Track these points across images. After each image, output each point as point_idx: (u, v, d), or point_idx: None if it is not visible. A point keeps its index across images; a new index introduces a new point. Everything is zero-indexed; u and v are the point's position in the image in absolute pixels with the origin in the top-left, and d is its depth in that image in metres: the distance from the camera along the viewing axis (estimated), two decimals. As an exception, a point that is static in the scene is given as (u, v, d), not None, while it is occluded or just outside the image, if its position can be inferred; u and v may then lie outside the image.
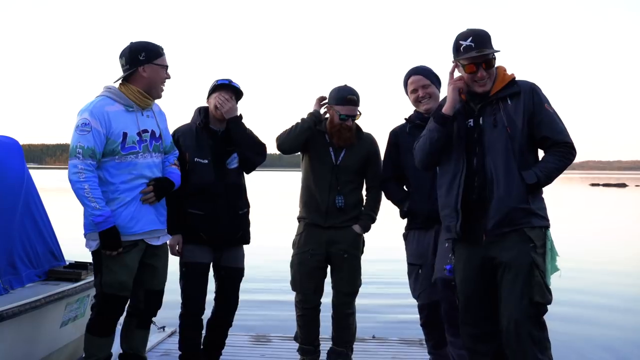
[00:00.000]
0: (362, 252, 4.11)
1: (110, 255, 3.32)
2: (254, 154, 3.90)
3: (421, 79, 3.79)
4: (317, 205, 3.98)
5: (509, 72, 3.17)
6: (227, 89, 3.84)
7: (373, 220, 4.07)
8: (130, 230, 3.39)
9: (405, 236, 3.91)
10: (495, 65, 3.15)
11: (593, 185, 66.33)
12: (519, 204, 3.01)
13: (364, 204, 4.10)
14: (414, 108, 3.87)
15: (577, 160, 3.12)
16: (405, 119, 3.91)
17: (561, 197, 33.10)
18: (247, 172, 4.00)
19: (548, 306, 3.05)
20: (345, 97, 3.90)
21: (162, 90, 3.55)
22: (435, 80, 3.84)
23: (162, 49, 3.50)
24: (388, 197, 4.01)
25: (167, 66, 3.52)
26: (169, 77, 3.53)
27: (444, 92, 3.69)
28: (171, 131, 3.86)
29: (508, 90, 3.10)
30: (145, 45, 3.46)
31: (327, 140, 3.98)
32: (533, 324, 2.99)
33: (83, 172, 3.27)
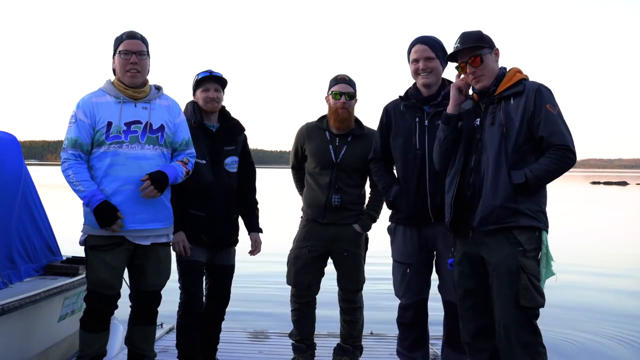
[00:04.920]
0: (365, 250, 4.09)
1: (114, 230, 3.28)
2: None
3: (426, 50, 3.59)
4: (317, 203, 4.00)
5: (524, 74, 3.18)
6: (211, 81, 3.82)
7: (374, 219, 4.03)
8: None
9: (391, 230, 3.77)
10: (508, 67, 3.20)
11: (594, 183, 66.30)
12: (504, 203, 3.00)
13: (366, 201, 4.09)
14: (413, 81, 3.71)
15: (577, 157, 3.08)
16: (401, 96, 3.73)
17: (562, 195, 33.08)
18: None
19: (544, 308, 3.02)
20: (337, 78, 3.98)
21: (132, 76, 3.41)
22: (441, 54, 3.61)
23: (126, 35, 3.45)
24: (375, 180, 3.87)
25: (128, 51, 3.40)
26: (133, 62, 3.40)
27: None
28: None
29: (512, 90, 3.10)
30: (116, 37, 3.49)
31: (327, 138, 3.99)
32: (522, 328, 2.99)
33: (67, 161, 3.34)
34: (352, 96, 3.94)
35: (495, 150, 3.05)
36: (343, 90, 3.92)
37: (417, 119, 3.60)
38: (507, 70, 3.21)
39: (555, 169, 3.00)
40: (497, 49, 3.21)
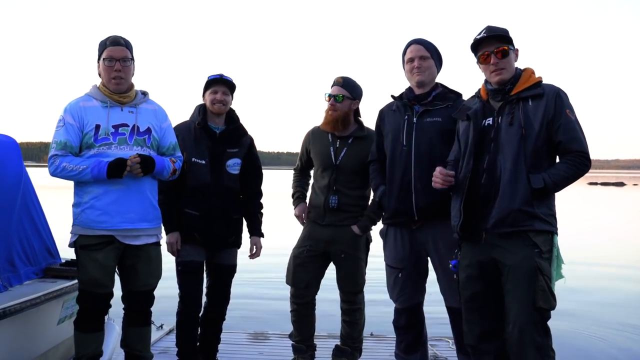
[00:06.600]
0: (366, 252, 4.09)
1: (130, 168, 3.30)
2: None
3: (421, 49, 3.62)
4: (317, 205, 4.03)
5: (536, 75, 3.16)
6: (220, 84, 3.87)
7: (373, 221, 4.01)
8: (100, 225, 3.36)
9: (383, 233, 3.78)
10: (523, 67, 3.18)
11: (591, 184, 66.35)
12: (522, 206, 2.98)
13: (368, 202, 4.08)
14: (408, 85, 3.72)
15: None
16: (393, 96, 3.76)
17: (560, 195, 33.05)
18: None
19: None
20: (333, 81, 4.01)
21: (116, 83, 3.42)
22: (435, 56, 3.67)
23: (109, 41, 3.44)
24: (370, 181, 3.93)
25: (112, 58, 3.40)
26: (117, 69, 3.40)
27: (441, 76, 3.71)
28: None
29: (530, 91, 3.08)
30: (100, 42, 3.48)
31: (329, 140, 4.02)
32: (537, 330, 2.98)
33: (55, 157, 3.34)
34: (342, 98, 3.94)
35: (514, 152, 3.02)
36: (332, 92, 3.96)
37: (406, 117, 3.61)
38: (522, 70, 3.18)
39: (572, 175, 3.03)
40: (517, 50, 3.18)
